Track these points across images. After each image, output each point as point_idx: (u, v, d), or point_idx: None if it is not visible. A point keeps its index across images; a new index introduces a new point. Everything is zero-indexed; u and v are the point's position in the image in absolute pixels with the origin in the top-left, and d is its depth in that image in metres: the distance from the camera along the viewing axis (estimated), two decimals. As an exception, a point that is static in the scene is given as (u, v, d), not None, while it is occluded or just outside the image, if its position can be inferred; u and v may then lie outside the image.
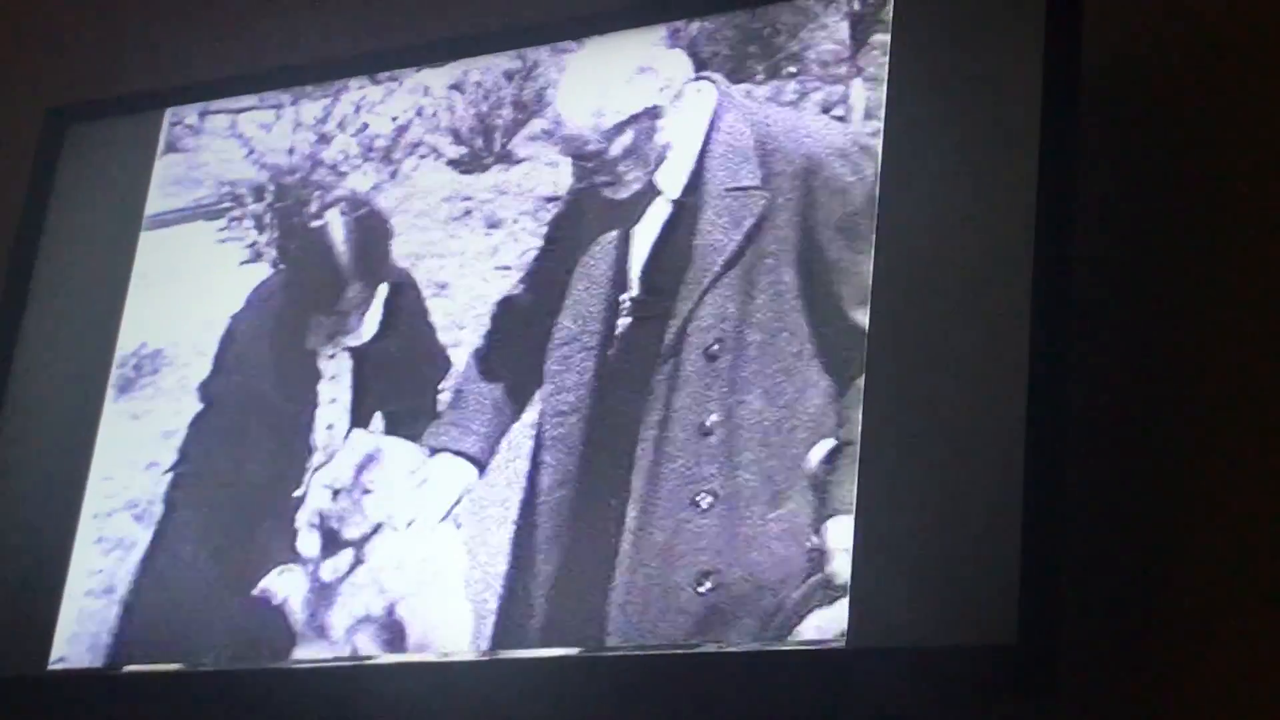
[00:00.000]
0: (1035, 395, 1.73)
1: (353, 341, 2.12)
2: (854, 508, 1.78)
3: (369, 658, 1.96)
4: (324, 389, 2.11)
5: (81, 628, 2.12)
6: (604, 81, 2.07)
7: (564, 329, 1.99)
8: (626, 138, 2.02)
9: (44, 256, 2.34)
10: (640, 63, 2.05)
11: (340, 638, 1.98)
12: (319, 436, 2.09)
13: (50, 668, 2.12)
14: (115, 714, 2.12)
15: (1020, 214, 1.79)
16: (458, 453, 1.99)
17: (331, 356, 2.12)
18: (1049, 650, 1.68)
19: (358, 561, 2.00)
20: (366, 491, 2.01)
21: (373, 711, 1.97)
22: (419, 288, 2.10)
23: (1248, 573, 1.76)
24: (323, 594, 2.00)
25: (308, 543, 2.03)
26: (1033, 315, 1.76)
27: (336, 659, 1.97)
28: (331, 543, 2.02)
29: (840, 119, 1.92)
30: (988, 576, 1.70)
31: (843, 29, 1.95)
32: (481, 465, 1.97)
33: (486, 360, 2.02)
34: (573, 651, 1.87)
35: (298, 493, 2.06)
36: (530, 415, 1.97)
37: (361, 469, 2.03)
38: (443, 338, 2.06)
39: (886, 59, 1.91)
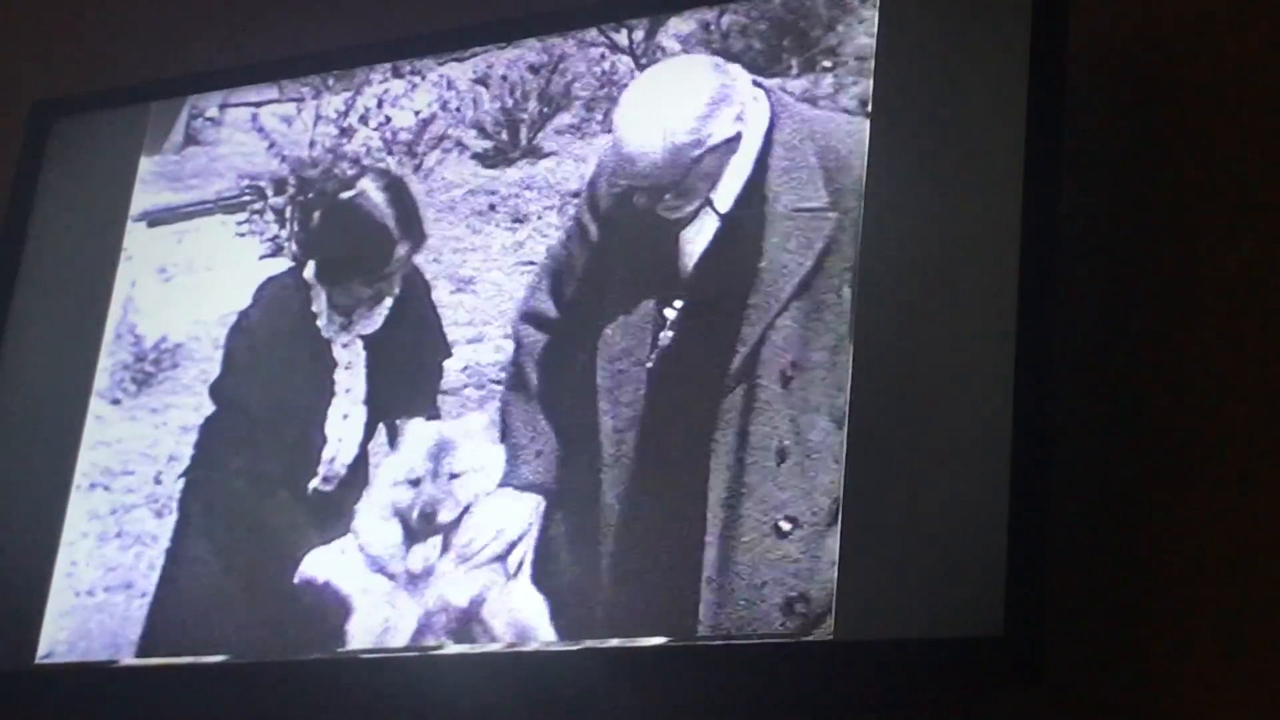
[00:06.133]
0: (1021, 387, 1.74)
1: (366, 329, 2.11)
2: (840, 500, 1.78)
3: (399, 651, 1.96)
4: (340, 378, 2.10)
5: (99, 625, 2.11)
6: (677, 109, 2.02)
7: (614, 344, 1.96)
8: (705, 166, 1.98)
9: (30, 251, 2.33)
10: (717, 90, 2.01)
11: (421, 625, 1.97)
12: (332, 427, 2.08)
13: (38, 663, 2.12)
14: (108, 710, 2.12)
15: (1007, 211, 1.79)
16: (521, 487, 1.97)
17: (346, 345, 2.11)
18: (1035, 642, 1.69)
19: (446, 548, 1.98)
20: (454, 476, 2.00)
21: (391, 703, 1.98)
22: (426, 276, 2.08)
23: (1233, 564, 1.77)
24: (412, 583, 1.98)
25: (384, 534, 2.01)
26: (1019, 309, 1.76)
27: (328, 656, 1.98)
28: (420, 530, 1.99)
29: None
30: (974, 569, 1.70)
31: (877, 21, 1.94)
32: (549, 493, 1.95)
33: (529, 377, 2.00)
34: (557, 646, 1.87)
35: (312, 483, 2.06)
36: (588, 434, 1.94)
37: (438, 455, 2.01)
38: (458, 332, 2.05)
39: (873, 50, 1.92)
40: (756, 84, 1.99)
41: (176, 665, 2.05)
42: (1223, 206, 1.88)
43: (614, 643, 1.84)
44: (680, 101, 2.02)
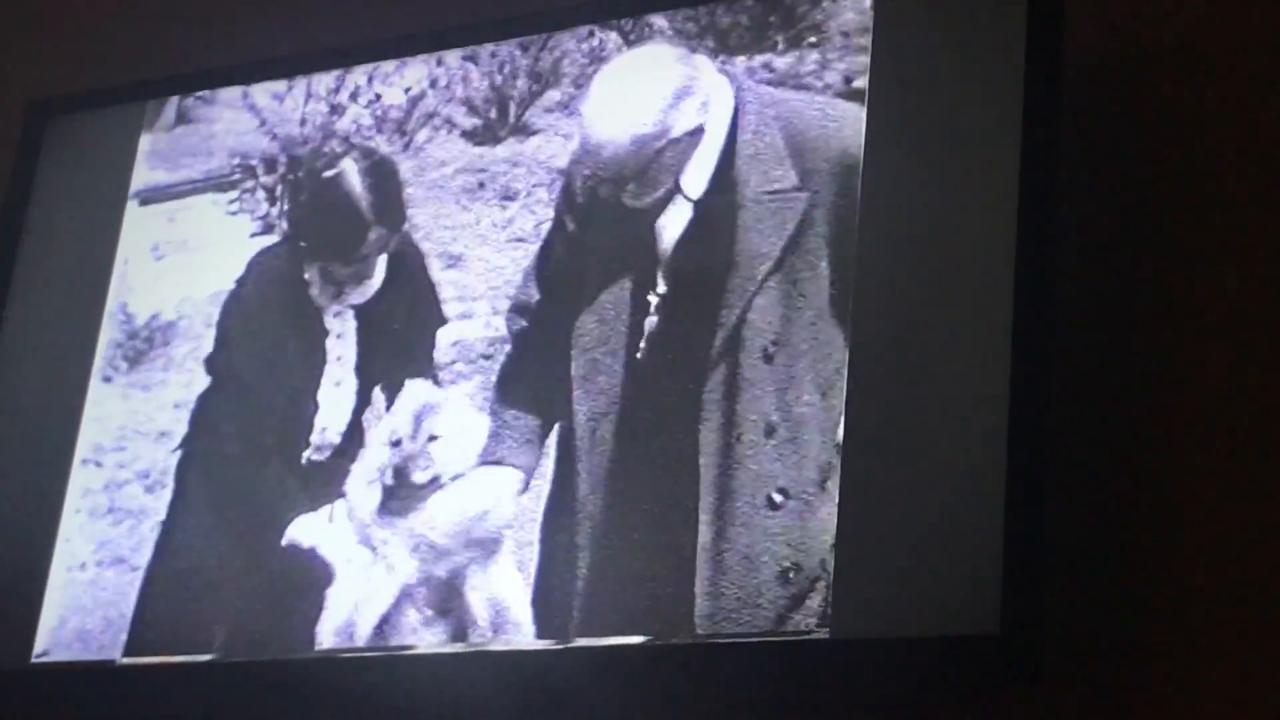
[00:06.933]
0: (1017, 386, 1.74)
1: (357, 299, 2.12)
2: (837, 499, 1.79)
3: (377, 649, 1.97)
4: (331, 346, 2.11)
5: (93, 599, 2.12)
6: (641, 101, 2.04)
7: (589, 331, 1.97)
8: (668, 158, 1.99)
9: (26, 250, 2.33)
10: (681, 82, 2.02)
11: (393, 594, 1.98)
12: (324, 394, 2.09)
13: (35, 659, 2.12)
14: (106, 709, 2.12)
15: (1002, 206, 1.80)
16: (497, 463, 1.99)
17: (337, 314, 2.12)
18: (1032, 640, 1.69)
19: (419, 509, 2.00)
20: (432, 438, 2.01)
21: (370, 700, 1.98)
22: (420, 249, 2.09)
23: (1231, 562, 1.76)
24: (387, 525, 2.00)
25: (368, 497, 2.03)
26: (1015, 308, 1.76)
27: (326, 653, 1.98)
28: (396, 490, 2.01)
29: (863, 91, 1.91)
30: (971, 566, 1.70)
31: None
32: (523, 481, 1.96)
33: (512, 365, 2.01)
34: (545, 644, 1.87)
35: (306, 453, 2.07)
36: (562, 421, 1.95)
37: (420, 417, 2.03)
38: (448, 308, 2.06)
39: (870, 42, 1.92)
40: (721, 71, 2.00)
41: (172, 664, 2.05)
42: (1217, 200, 1.88)
43: (607, 641, 1.85)
44: (645, 93, 2.03)
